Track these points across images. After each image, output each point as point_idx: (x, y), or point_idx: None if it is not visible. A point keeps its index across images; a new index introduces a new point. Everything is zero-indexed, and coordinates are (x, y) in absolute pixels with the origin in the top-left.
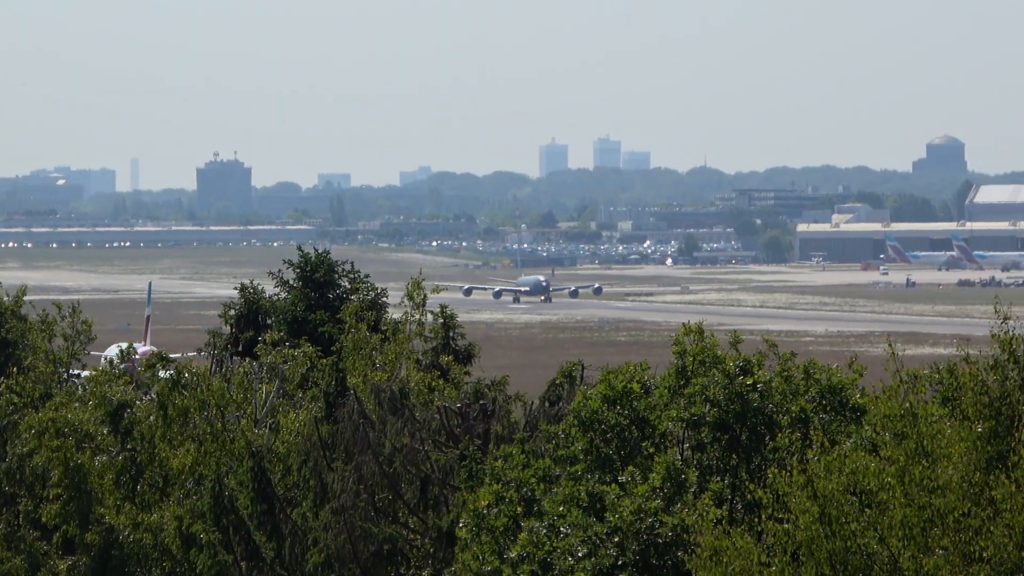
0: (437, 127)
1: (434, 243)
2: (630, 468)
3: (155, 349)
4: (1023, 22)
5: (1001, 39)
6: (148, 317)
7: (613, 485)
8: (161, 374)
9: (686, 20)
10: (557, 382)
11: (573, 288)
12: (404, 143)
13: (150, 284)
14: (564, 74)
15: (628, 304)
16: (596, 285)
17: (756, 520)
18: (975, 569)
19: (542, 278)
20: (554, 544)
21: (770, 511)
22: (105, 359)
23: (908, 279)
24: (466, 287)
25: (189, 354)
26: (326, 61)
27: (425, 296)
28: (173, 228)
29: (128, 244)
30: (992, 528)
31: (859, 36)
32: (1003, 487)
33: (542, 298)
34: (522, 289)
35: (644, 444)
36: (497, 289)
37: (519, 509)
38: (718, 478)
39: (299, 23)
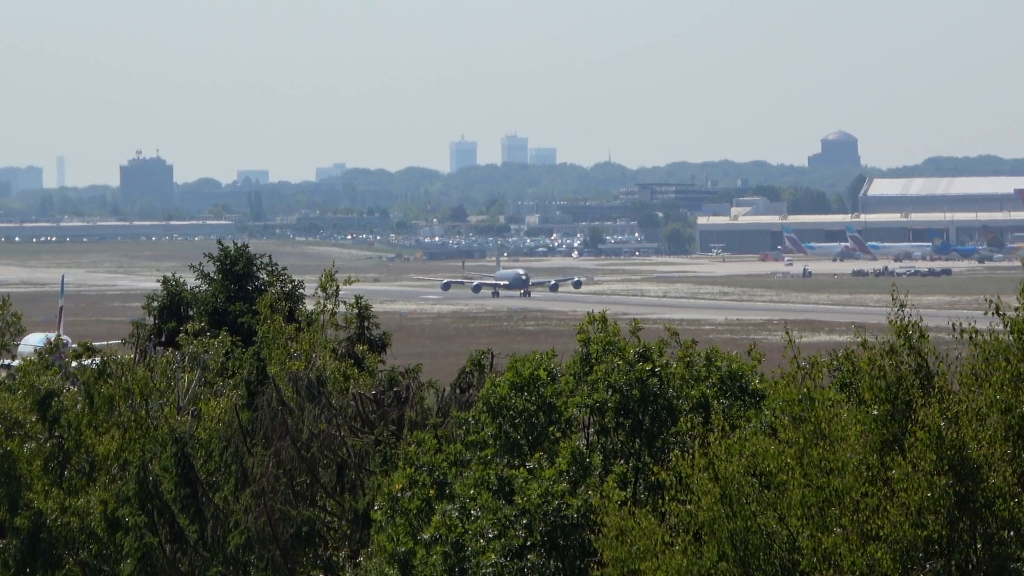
0: (351, 125)
1: (349, 237)
2: (537, 453)
3: (68, 339)
4: (914, 21)
5: (892, 38)
6: (61, 308)
7: (521, 469)
8: (86, 363)
9: (588, 20)
10: (467, 370)
11: (553, 282)
12: (320, 141)
13: (63, 277)
14: (473, 74)
15: (536, 294)
16: (576, 279)
17: (659, 501)
18: (872, 547)
19: (521, 271)
20: (465, 526)
21: (673, 493)
22: (23, 347)
23: (805, 269)
24: (445, 281)
25: (112, 342)
26: (243, 61)
27: (338, 287)
28: (98, 223)
29: (55, 239)
30: (888, 507)
31: (756, 35)
32: (899, 468)
33: (521, 292)
34: (501, 283)
35: (551, 429)
36: (476, 283)
37: (432, 492)
38: (622, 461)
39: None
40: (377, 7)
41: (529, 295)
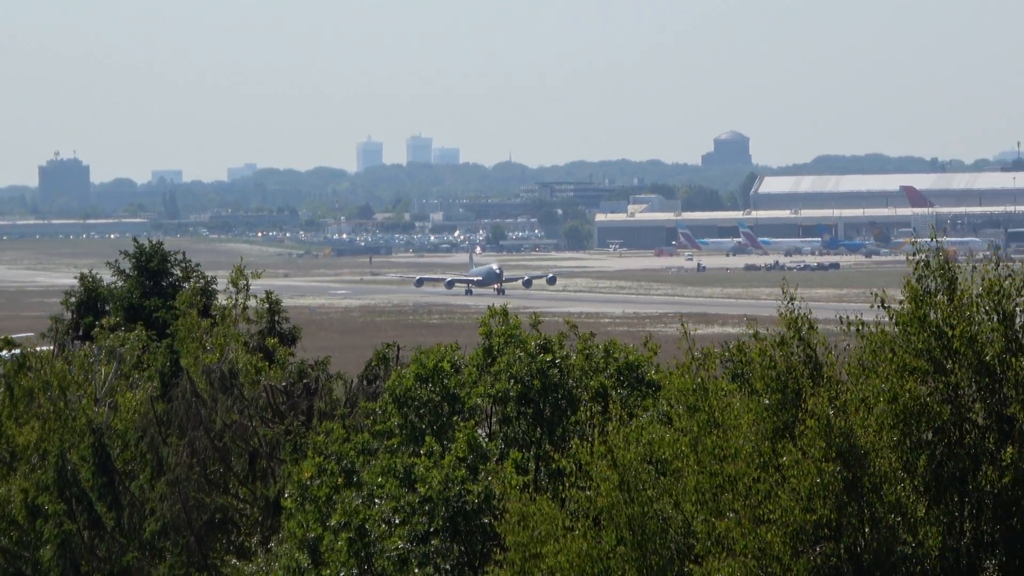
0: (262, 126)
1: (260, 234)
2: (429, 439)
3: None
4: (802, 24)
5: (783, 40)
6: None
7: (423, 457)
8: (5, 356)
9: (490, 24)
10: (374, 363)
11: (527, 278)
12: (232, 142)
13: None
14: (379, 76)
15: (440, 289)
16: (550, 275)
17: (560, 487)
18: (763, 530)
19: (495, 266)
20: (367, 513)
21: (573, 479)
22: None
23: (699, 264)
24: (418, 278)
25: (28, 334)
26: (155, 64)
27: (249, 283)
28: (17, 222)
29: None
30: (779, 493)
31: (651, 38)
32: (789, 454)
33: (496, 287)
34: (474, 279)
35: (455, 419)
36: (449, 279)
37: (340, 480)
38: (522, 449)
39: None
40: (284, 10)
41: (503, 292)
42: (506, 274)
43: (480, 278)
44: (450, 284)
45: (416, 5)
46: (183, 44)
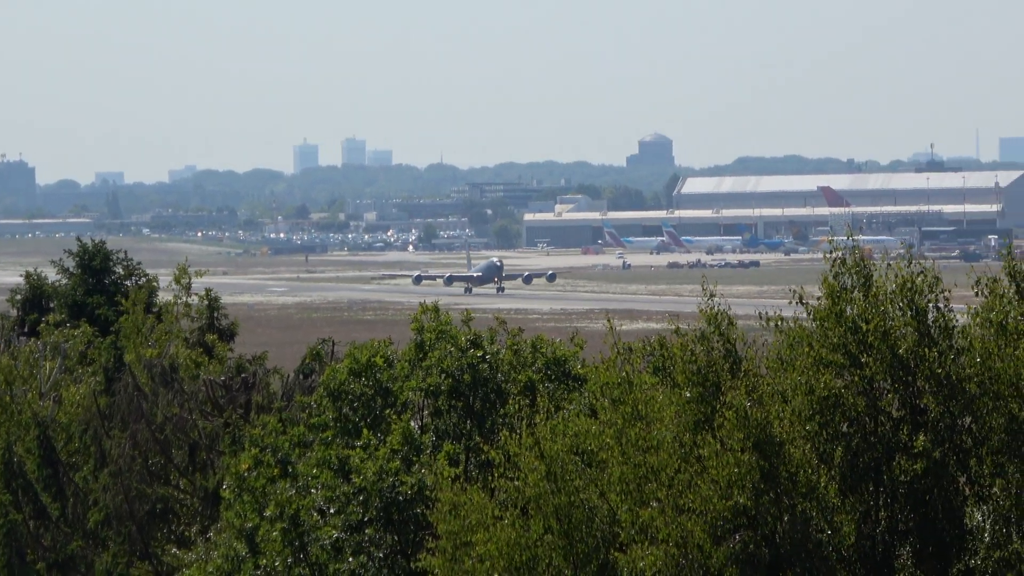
0: (202, 129)
1: (199, 234)
2: (366, 432)
3: None
4: (723, 30)
5: (703, 45)
6: None
7: (358, 449)
8: None
9: (420, 27)
10: (309, 358)
11: (527, 274)
12: (172, 144)
13: None
14: (314, 79)
15: (374, 286)
16: (550, 272)
17: (490, 478)
18: (684, 519)
19: (496, 260)
20: (301, 503)
21: (502, 470)
22: None
23: (624, 262)
24: (416, 275)
25: None
26: (97, 69)
27: (190, 280)
28: None
29: None
30: (700, 483)
31: (577, 42)
32: (709, 446)
33: (496, 282)
34: (474, 275)
35: (387, 412)
36: (448, 276)
37: (276, 471)
38: (453, 441)
39: (68, 36)
40: (221, 16)
41: (503, 291)
42: (501, 271)
43: (480, 274)
44: (449, 281)
45: (349, 10)
46: (125, 48)
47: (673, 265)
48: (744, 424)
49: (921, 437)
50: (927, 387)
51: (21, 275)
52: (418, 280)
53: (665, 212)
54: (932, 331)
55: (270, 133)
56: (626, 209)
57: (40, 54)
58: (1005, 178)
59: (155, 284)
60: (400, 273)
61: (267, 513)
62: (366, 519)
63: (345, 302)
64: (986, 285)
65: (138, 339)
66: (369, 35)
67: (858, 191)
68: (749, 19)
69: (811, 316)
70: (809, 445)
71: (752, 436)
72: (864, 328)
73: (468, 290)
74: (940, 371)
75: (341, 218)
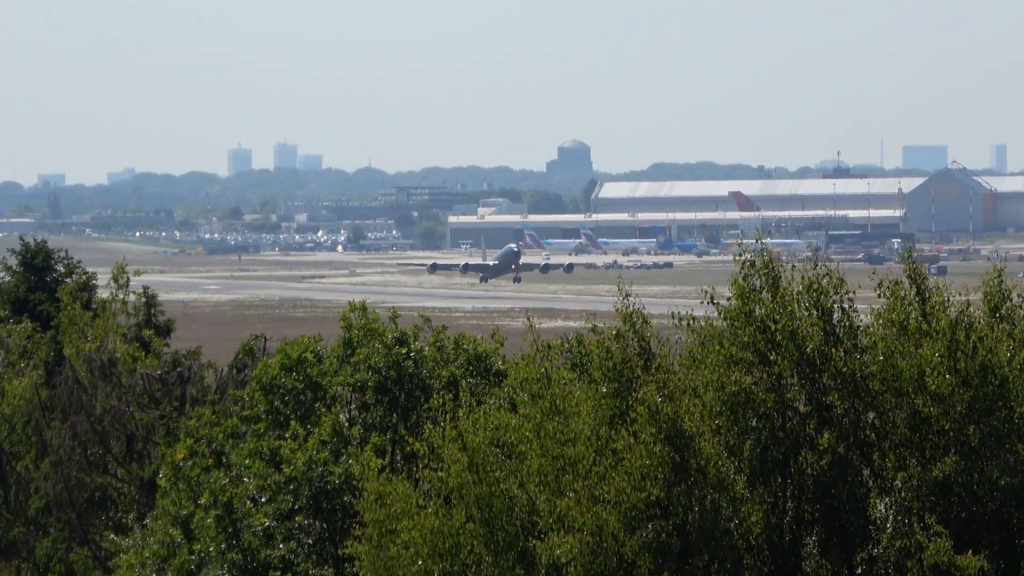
0: (140, 133)
1: (137, 234)
2: (294, 424)
3: None
4: (640, 39)
5: (620, 55)
6: None
7: (288, 440)
8: None
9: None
10: (242, 354)
11: (543, 264)
12: (112, 147)
13: None
14: (248, 86)
15: (304, 285)
16: (568, 263)
17: (414, 469)
18: (599, 508)
19: (514, 246)
20: (235, 492)
21: (426, 461)
22: None
23: (480, 278)
24: (431, 263)
25: None
26: (43, 74)
27: (128, 278)
28: None
29: None
30: (614, 474)
31: (498, 51)
32: (623, 439)
33: (513, 268)
34: (491, 263)
35: (317, 405)
36: (463, 264)
37: (210, 461)
38: (379, 433)
39: (15, 40)
40: (158, 25)
41: (519, 280)
42: (519, 258)
43: (496, 262)
44: (465, 269)
45: (279, 21)
46: (65, 54)
47: (590, 266)
48: (656, 418)
49: (827, 434)
50: (833, 384)
51: None
52: (433, 268)
53: (583, 215)
54: (837, 331)
55: (206, 138)
56: (546, 212)
57: None
58: (908, 185)
59: (94, 282)
60: (329, 272)
61: (202, 501)
62: (296, 507)
63: (277, 300)
64: (888, 287)
65: (77, 334)
66: (300, 44)
67: (768, 196)
68: (663, 30)
69: (722, 316)
70: (719, 439)
71: (664, 430)
72: (772, 328)
73: (483, 279)
74: (845, 369)
75: (273, 219)
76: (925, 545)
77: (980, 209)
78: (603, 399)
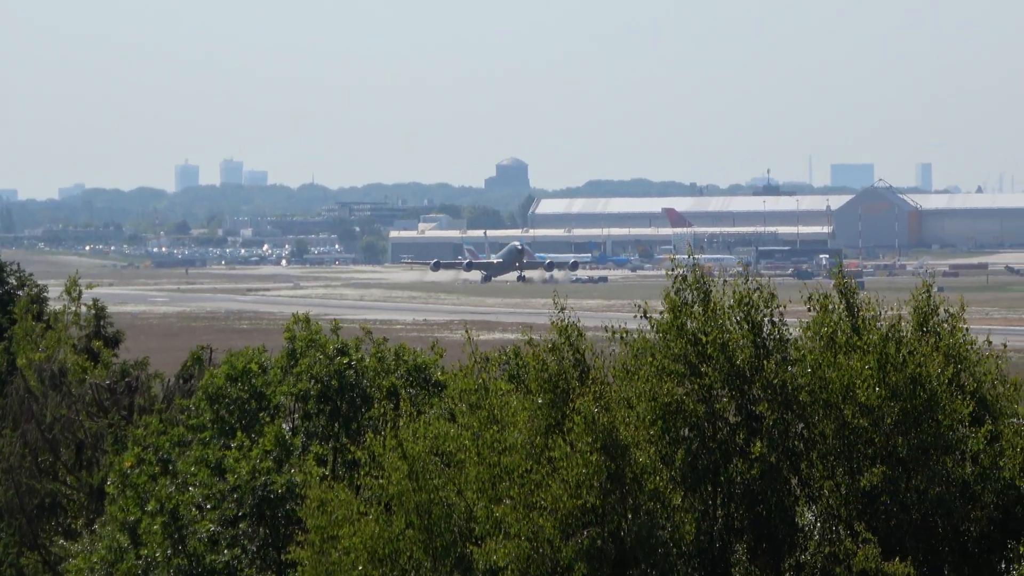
0: (90, 149)
1: (87, 247)
2: (240, 434)
3: None
4: (574, 60)
5: (558, 74)
6: None
7: (233, 449)
8: None
9: (293, 56)
10: (189, 364)
11: (548, 261)
12: (63, 163)
13: None
14: (195, 103)
15: (249, 298)
16: (572, 260)
17: (355, 476)
18: (536, 515)
19: (518, 244)
20: (181, 499)
21: (367, 469)
22: None
23: (482, 276)
24: (434, 261)
25: None
26: None
27: (80, 291)
28: None
29: None
30: (551, 482)
31: (439, 71)
32: (559, 448)
33: (517, 267)
34: (495, 261)
35: (261, 415)
36: (468, 262)
37: (157, 469)
38: (321, 442)
39: None
40: (107, 42)
41: (523, 279)
42: (523, 255)
43: (501, 260)
44: (469, 267)
45: (223, 38)
46: (15, 71)
47: (528, 280)
48: (592, 428)
49: (759, 443)
50: (762, 395)
51: None
52: (436, 267)
53: (520, 231)
54: (767, 343)
55: (154, 154)
56: (484, 228)
57: None
58: (836, 202)
59: (45, 294)
60: (274, 285)
61: (148, 508)
62: (240, 514)
63: (222, 312)
64: (818, 301)
65: (30, 346)
66: (245, 61)
67: (699, 213)
68: (598, 52)
69: (654, 328)
70: (654, 448)
71: (599, 439)
72: (704, 340)
73: (487, 278)
74: (775, 380)
75: (219, 234)
76: (853, 552)
77: (906, 226)
78: (539, 409)
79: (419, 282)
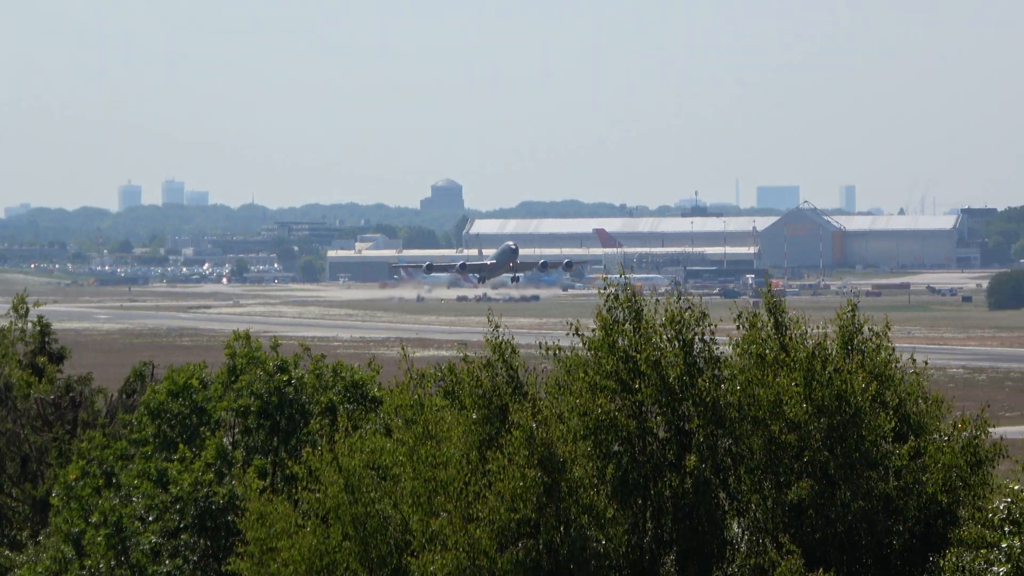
0: (35, 169)
1: (32, 265)
2: (182, 447)
3: None
4: (508, 83)
5: (492, 98)
6: None
7: (175, 462)
8: None
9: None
10: (131, 379)
11: (542, 262)
12: (9, 182)
13: None
14: (138, 124)
15: (191, 315)
16: (566, 261)
17: (294, 490)
18: (472, 528)
19: (512, 244)
20: (124, 511)
21: (305, 483)
22: None
23: (418, 295)
24: (427, 264)
25: None
26: None
27: (28, 308)
28: None
29: None
30: (487, 495)
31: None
32: (496, 461)
33: (511, 267)
34: (488, 262)
35: (202, 429)
36: (461, 263)
37: (101, 482)
38: (262, 456)
39: None
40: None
41: (517, 279)
42: (516, 255)
43: (494, 261)
44: (462, 268)
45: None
46: None
47: (461, 298)
48: (530, 443)
49: (692, 457)
50: (693, 411)
51: None
52: (429, 269)
53: (455, 250)
54: (699, 361)
55: (98, 175)
56: (420, 247)
57: None
58: (762, 223)
59: None
60: (214, 303)
61: (92, 519)
62: (182, 526)
63: (164, 329)
64: (747, 319)
65: None
66: (187, 85)
67: (630, 233)
68: (531, 75)
69: (586, 346)
70: (590, 463)
71: (536, 453)
72: (636, 357)
73: (482, 279)
74: (706, 397)
75: (161, 253)
76: (778, 563)
77: (830, 246)
78: (474, 424)
79: (355, 300)
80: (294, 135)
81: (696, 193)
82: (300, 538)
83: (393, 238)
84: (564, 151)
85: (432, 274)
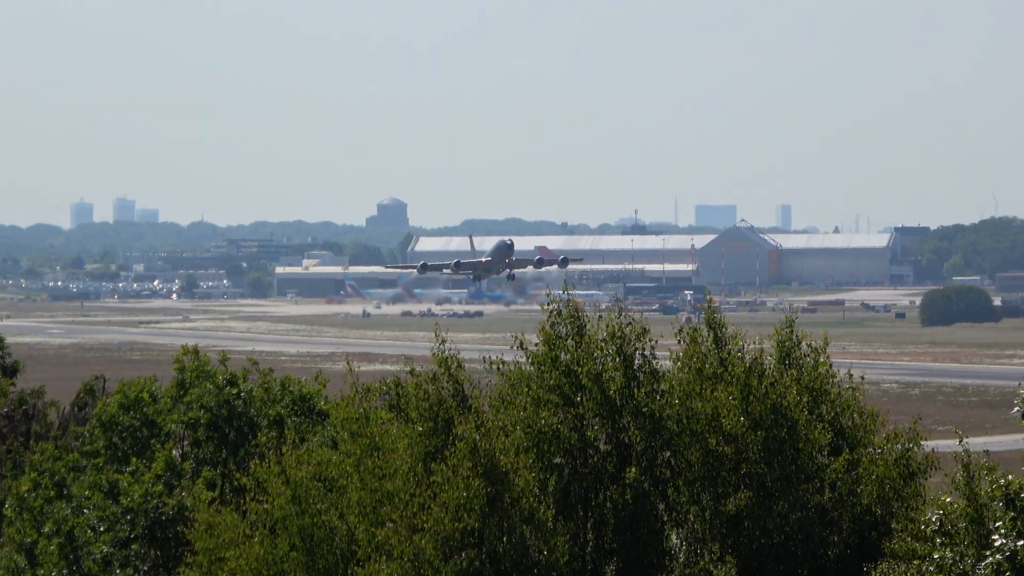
0: None
1: None
2: (133, 460)
3: None
4: (452, 103)
5: (436, 117)
6: None
7: (126, 474)
8: None
9: (181, 97)
10: (83, 393)
11: (538, 258)
12: None
13: None
14: (89, 142)
15: (141, 330)
16: (561, 257)
17: (242, 501)
18: (417, 538)
19: (507, 239)
20: (76, 521)
21: (253, 494)
22: None
23: (364, 311)
24: (421, 264)
25: None
26: None
27: None
28: None
29: None
30: (432, 505)
31: (321, 113)
32: (441, 473)
33: (507, 264)
34: (484, 260)
35: (152, 442)
36: (456, 261)
37: (52, 493)
38: (211, 468)
39: None
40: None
41: (513, 278)
42: (511, 251)
43: (489, 258)
44: (457, 267)
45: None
46: None
47: (406, 314)
48: (474, 454)
49: (633, 469)
50: (633, 423)
51: None
52: (423, 269)
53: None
54: (639, 375)
55: (50, 192)
56: (366, 264)
57: None
58: (700, 241)
59: None
60: (164, 318)
61: (45, 530)
62: (133, 536)
63: (115, 344)
64: (688, 334)
65: None
66: (135, 101)
67: (571, 251)
68: (473, 95)
69: (530, 360)
70: (533, 474)
71: (480, 465)
72: (578, 371)
73: (478, 278)
74: (645, 410)
75: (113, 269)
76: (714, 573)
77: (766, 264)
78: (419, 437)
79: (302, 316)
80: (243, 154)
81: (636, 212)
82: (248, 548)
83: (339, 255)
84: (506, 170)
85: (428, 274)
